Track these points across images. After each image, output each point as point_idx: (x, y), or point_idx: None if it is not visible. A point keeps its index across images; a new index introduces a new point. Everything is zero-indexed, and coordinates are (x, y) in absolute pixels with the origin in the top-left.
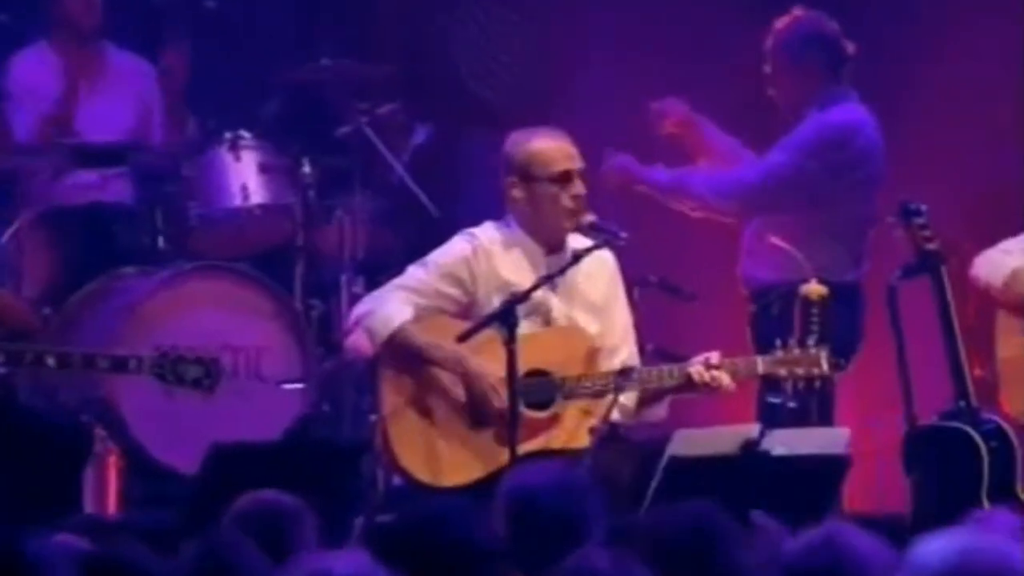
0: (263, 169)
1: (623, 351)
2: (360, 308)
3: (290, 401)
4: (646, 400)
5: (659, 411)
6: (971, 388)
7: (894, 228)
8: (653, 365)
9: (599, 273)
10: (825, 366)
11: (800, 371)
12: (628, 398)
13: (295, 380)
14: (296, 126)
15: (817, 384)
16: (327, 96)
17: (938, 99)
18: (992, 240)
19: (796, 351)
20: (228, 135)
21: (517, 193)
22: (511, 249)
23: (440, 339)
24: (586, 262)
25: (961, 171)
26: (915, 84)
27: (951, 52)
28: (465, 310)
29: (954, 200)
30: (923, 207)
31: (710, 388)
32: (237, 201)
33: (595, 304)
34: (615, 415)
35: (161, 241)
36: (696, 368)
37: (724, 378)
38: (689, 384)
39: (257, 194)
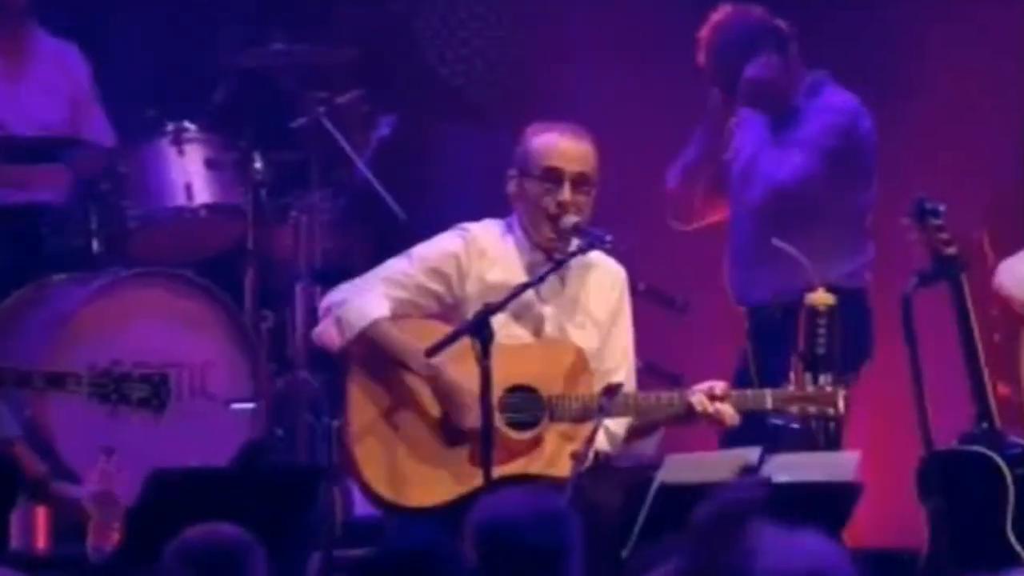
0: (209, 165)
1: (619, 374)
2: (333, 296)
3: (239, 423)
4: (640, 429)
5: (650, 445)
6: (994, 408)
7: (908, 230)
8: (643, 380)
9: (608, 287)
10: (841, 406)
11: (813, 410)
12: (619, 425)
13: (244, 400)
14: (246, 117)
15: (832, 426)
16: (281, 84)
17: (957, 93)
18: (1017, 243)
19: (810, 388)
20: (170, 127)
21: (513, 188)
22: (508, 251)
23: (418, 342)
24: (596, 273)
25: (983, 168)
26: (932, 78)
27: (970, 46)
28: (448, 311)
29: (975, 199)
30: (940, 206)
31: (712, 421)
32: (180, 200)
33: (597, 320)
34: (604, 445)
35: (95, 245)
36: (699, 398)
37: (728, 411)
38: (689, 414)
39: (202, 192)
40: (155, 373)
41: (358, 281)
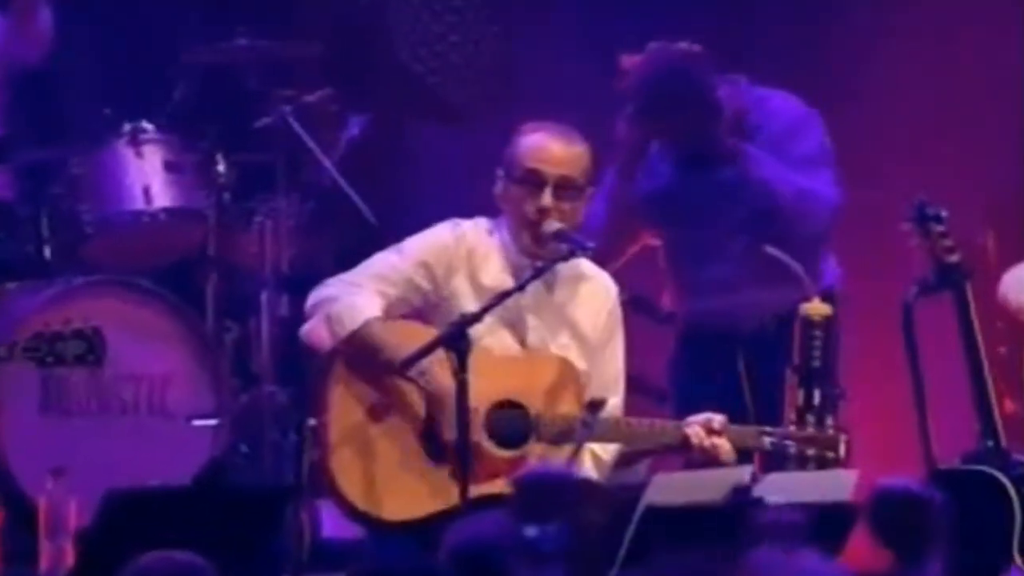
0: (169, 167)
1: (609, 399)
2: (322, 292)
3: (200, 440)
4: (630, 457)
5: (639, 472)
6: (1000, 425)
7: (909, 236)
8: (627, 393)
9: (597, 304)
10: (843, 451)
11: (812, 452)
12: (608, 453)
13: (206, 416)
14: (208, 116)
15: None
16: (245, 81)
17: (951, 91)
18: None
19: (811, 429)
20: (127, 127)
21: (499, 189)
22: (495, 252)
23: (408, 344)
24: (587, 286)
25: (987, 170)
26: (925, 77)
27: (964, 44)
28: (432, 309)
29: (972, 201)
30: (942, 211)
31: (708, 455)
32: (138, 204)
33: (584, 337)
34: (591, 471)
35: (48, 251)
36: (695, 430)
37: (725, 446)
38: (683, 446)
39: (162, 196)
40: (87, 327)
41: (346, 277)
